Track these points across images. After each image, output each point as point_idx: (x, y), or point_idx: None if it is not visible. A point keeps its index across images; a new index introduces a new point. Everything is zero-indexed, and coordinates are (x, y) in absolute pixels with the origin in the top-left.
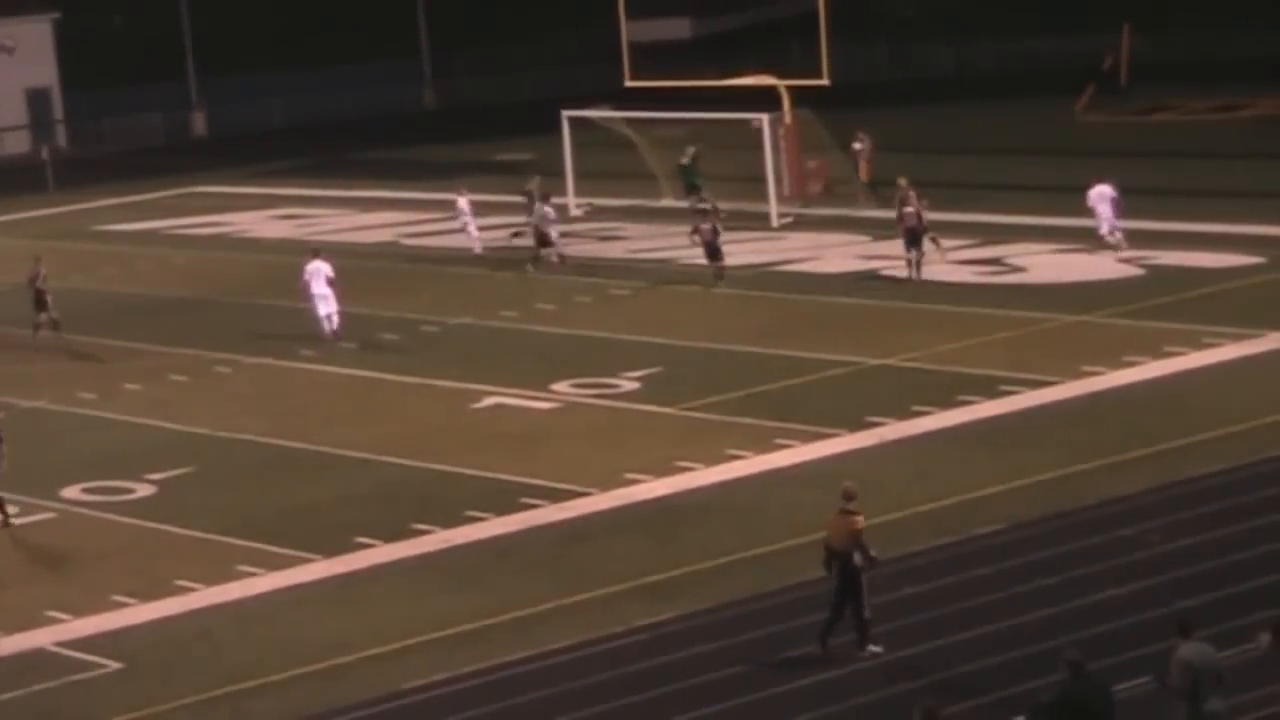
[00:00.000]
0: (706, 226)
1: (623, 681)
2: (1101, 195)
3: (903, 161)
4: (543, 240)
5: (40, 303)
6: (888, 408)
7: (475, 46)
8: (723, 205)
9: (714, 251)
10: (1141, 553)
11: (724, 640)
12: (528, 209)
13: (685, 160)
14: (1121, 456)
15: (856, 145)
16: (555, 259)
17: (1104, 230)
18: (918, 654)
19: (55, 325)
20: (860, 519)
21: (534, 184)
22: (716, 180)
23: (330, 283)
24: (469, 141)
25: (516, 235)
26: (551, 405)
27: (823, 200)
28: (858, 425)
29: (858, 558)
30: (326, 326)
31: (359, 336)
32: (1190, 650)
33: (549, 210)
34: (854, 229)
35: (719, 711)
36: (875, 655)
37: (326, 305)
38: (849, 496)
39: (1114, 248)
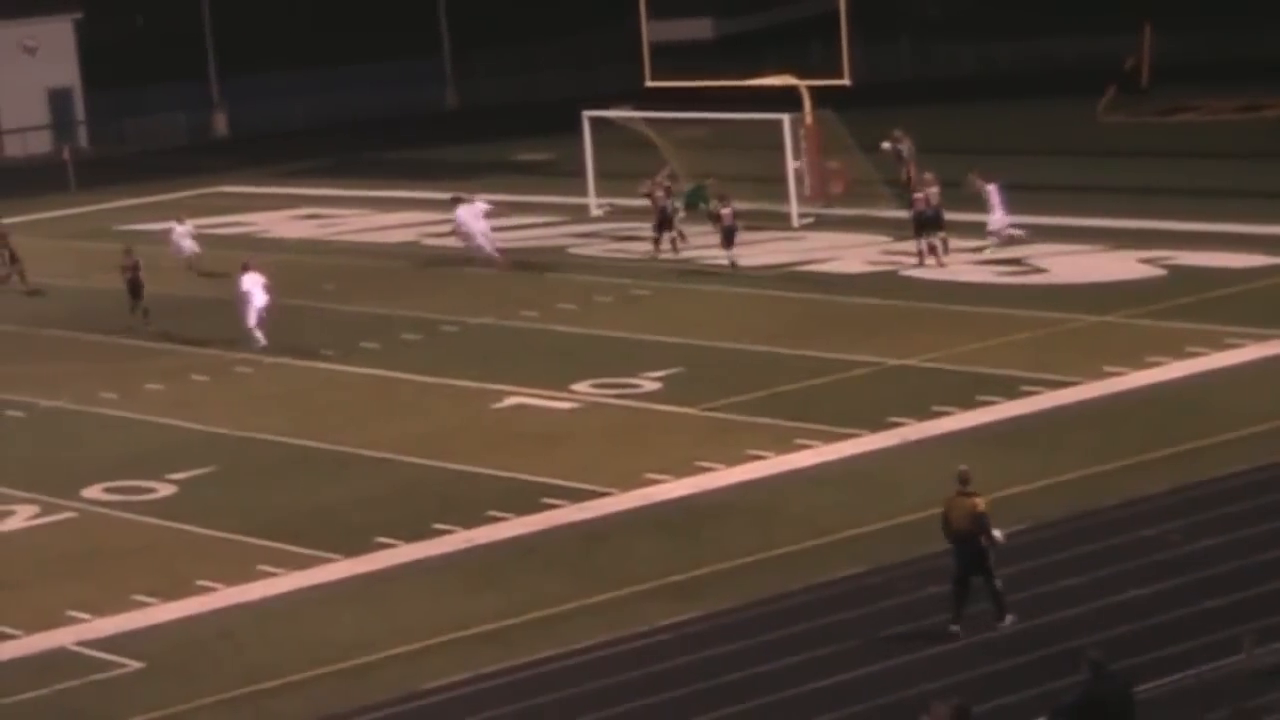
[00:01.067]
0: (727, 211)
1: (644, 681)
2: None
3: (923, 162)
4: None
5: (135, 292)
6: (908, 408)
7: (496, 46)
8: (743, 205)
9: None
10: (1164, 553)
11: (746, 640)
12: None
13: (693, 185)
14: (1143, 457)
15: (897, 145)
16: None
17: (995, 226)
18: (941, 653)
19: (146, 314)
20: (979, 500)
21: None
22: (737, 181)
23: (267, 289)
24: (490, 141)
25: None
26: (572, 405)
27: (843, 200)
28: (879, 425)
29: (983, 539)
30: (260, 335)
31: (381, 336)
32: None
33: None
34: (875, 229)
35: (741, 711)
36: (1013, 623)
37: (257, 316)
38: (965, 480)
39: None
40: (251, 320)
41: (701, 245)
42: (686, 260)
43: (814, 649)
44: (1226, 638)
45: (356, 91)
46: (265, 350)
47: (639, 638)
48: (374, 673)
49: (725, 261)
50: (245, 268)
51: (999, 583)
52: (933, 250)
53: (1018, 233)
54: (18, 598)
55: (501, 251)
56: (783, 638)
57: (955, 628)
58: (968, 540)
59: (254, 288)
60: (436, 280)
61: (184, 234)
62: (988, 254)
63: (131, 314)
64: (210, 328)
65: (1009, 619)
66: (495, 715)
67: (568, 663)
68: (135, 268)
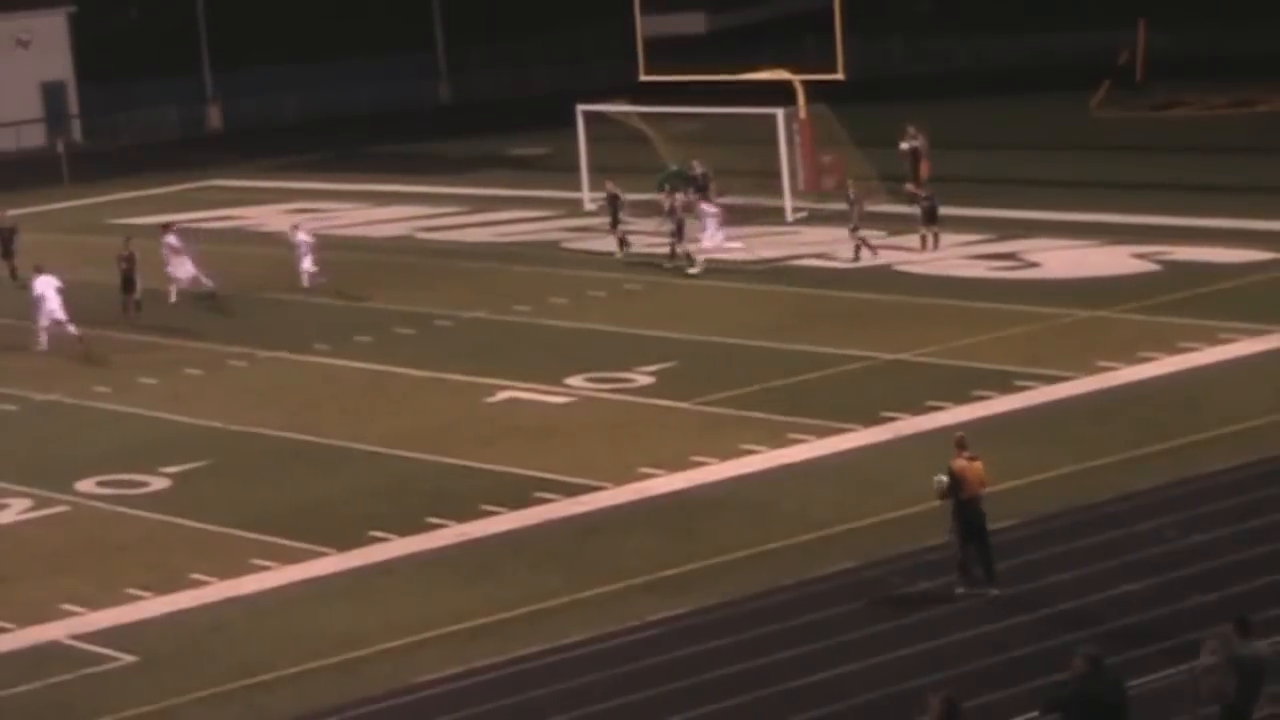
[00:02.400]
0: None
1: (637, 676)
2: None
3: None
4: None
5: (128, 285)
6: (902, 403)
7: (490, 41)
8: (737, 200)
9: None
10: (1157, 548)
11: (738, 635)
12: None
13: (676, 167)
14: (1136, 452)
15: (913, 143)
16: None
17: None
18: (934, 647)
19: (138, 306)
20: (980, 462)
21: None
22: (731, 175)
23: (60, 291)
24: (484, 136)
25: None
26: (565, 399)
27: (837, 195)
28: (872, 420)
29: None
30: (45, 338)
31: (374, 330)
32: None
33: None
34: (869, 224)
35: (734, 706)
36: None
37: (50, 317)
38: (963, 445)
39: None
40: (42, 321)
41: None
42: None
43: (806, 644)
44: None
45: (350, 86)
46: (44, 353)
47: (632, 632)
48: (366, 666)
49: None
50: (38, 270)
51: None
52: (924, 241)
53: (734, 245)
54: (11, 591)
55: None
56: (775, 632)
57: (961, 590)
58: (977, 502)
59: (47, 290)
60: (429, 274)
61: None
62: (695, 271)
63: (124, 309)
64: (204, 321)
65: (994, 592)
66: (488, 709)
67: (560, 657)
68: (131, 260)
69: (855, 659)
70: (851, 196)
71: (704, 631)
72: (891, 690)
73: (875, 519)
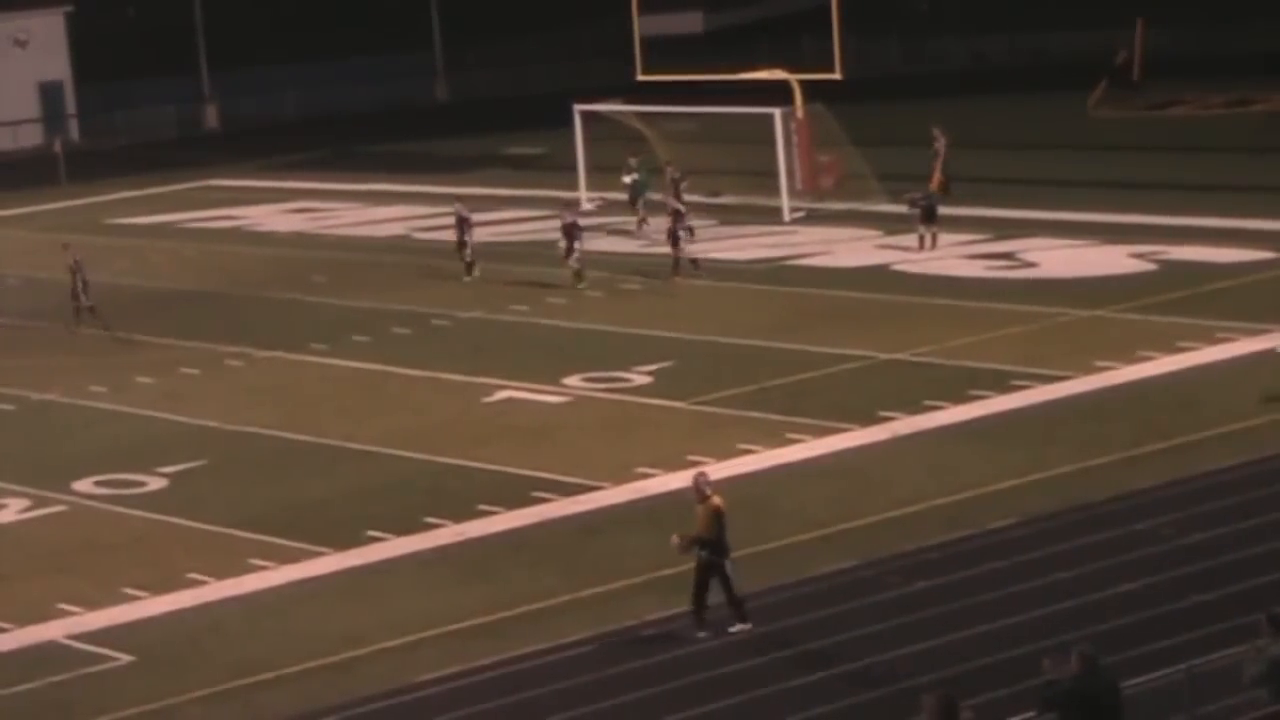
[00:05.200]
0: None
1: (635, 675)
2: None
3: (917, 156)
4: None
5: (77, 290)
6: (899, 402)
7: (487, 40)
8: (734, 199)
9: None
10: (1155, 547)
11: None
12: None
13: (629, 179)
14: (1134, 451)
15: (936, 144)
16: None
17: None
18: (931, 647)
19: (91, 311)
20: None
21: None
22: (729, 175)
23: None
24: (481, 135)
25: None
26: (562, 399)
27: (835, 194)
28: (869, 420)
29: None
30: None
31: (371, 330)
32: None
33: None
34: (866, 223)
35: (733, 705)
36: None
37: None
38: (706, 483)
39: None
40: None
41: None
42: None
43: (802, 644)
44: (1217, 632)
45: (347, 85)
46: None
47: (629, 631)
48: (364, 666)
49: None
50: None
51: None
52: (921, 241)
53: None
54: (8, 591)
55: None
56: (771, 632)
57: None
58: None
59: None
60: (427, 274)
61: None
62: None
63: (76, 315)
64: (200, 321)
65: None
66: (486, 709)
67: (558, 656)
68: (77, 267)
69: (853, 658)
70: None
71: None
72: (889, 689)
73: (872, 519)
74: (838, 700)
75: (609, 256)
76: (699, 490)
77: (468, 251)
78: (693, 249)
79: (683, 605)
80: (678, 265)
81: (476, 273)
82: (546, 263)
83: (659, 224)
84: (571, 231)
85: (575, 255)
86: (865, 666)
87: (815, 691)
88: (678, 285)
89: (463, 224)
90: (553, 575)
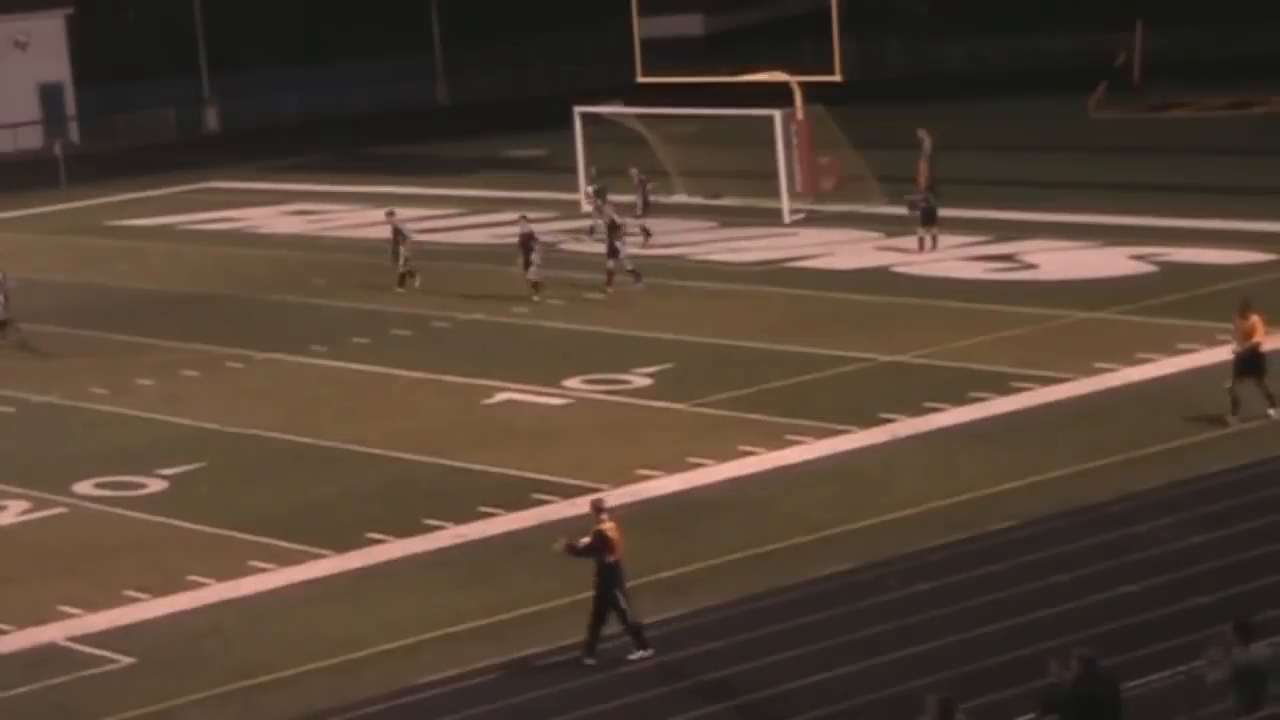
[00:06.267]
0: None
1: (636, 677)
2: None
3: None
4: None
5: None
6: (900, 404)
7: (488, 42)
8: (735, 202)
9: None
10: (1155, 549)
11: (734, 637)
12: None
13: (591, 188)
14: (1134, 453)
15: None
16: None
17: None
18: (932, 649)
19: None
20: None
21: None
22: (729, 177)
23: None
24: (481, 137)
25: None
26: (563, 401)
27: (835, 196)
28: (870, 421)
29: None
30: None
31: (371, 332)
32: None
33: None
34: (866, 225)
35: (730, 708)
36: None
37: None
38: (601, 507)
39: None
40: None
41: (689, 242)
42: (676, 256)
43: (803, 645)
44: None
45: (348, 87)
46: None
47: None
48: (365, 668)
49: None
50: None
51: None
52: (921, 243)
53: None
54: (8, 593)
55: None
56: (771, 634)
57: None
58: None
59: None
60: (427, 276)
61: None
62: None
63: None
64: (200, 323)
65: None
66: (486, 711)
67: (560, 658)
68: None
69: (854, 660)
70: (636, 182)
71: (701, 633)
72: (890, 691)
73: (873, 521)
74: (839, 702)
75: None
76: (596, 512)
77: (401, 262)
78: (635, 254)
79: (681, 607)
80: (611, 278)
81: (416, 283)
82: (550, 265)
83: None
84: (528, 243)
85: (534, 267)
86: (867, 668)
87: (810, 695)
88: (618, 294)
89: (398, 235)
90: (553, 577)
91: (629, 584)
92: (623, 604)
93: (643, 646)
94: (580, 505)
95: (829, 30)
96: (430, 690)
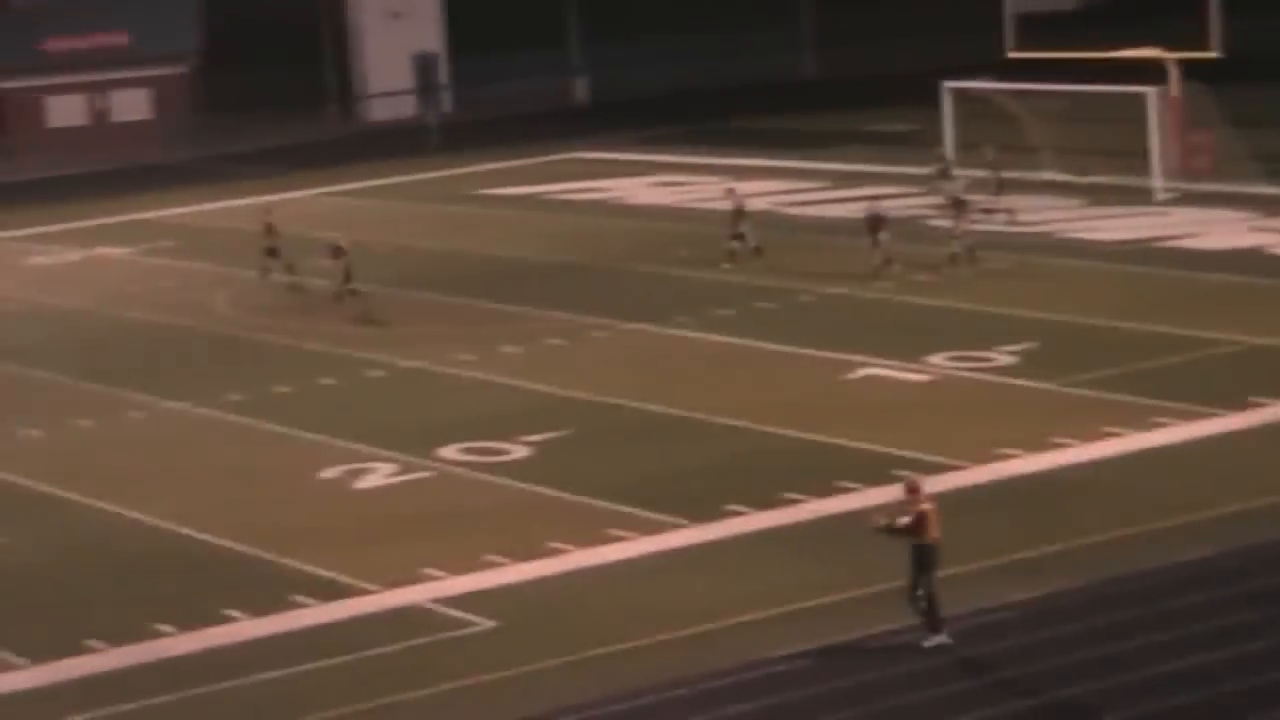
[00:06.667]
0: None
1: (1001, 657)
2: None
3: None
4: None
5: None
6: (1271, 389)
7: (857, 15)
8: (1104, 180)
9: None
10: None
11: (1093, 620)
12: None
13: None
14: None
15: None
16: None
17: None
18: None
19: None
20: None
21: None
22: (1098, 155)
23: None
24: (847, 111)
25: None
26: (925, 378)
27: (1211, 175)
28: (1240, 406)
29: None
30: None
31: (735, 304)
32: None
33: None
34: (1241, 205)
35: (1075, 694)
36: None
37: None
38: (917, 488)
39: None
40: None
41: (1056, 219)
42: (1042, 234)
43: (1167, 630)
44: None
45: (715, 59)
46: None
47: (984, 614)
48: (718, 640)
49: None
50: None
51: None
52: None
53: None
54: (373, 554)
55: None
56: (1128, 619)
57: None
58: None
59: None
60: (793, 250)
61: None
62: None
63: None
64: (564, 292)
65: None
66: (838, 686)
67: (908, 639)
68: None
69: (1216, 648)
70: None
71: (1063, 615)
72: (1258, 680)
73: (1237, 507)
74: (1199, 690)
75: (975, 235)
76: (911, 493)
77: (743, 239)
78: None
79: (1039, 589)
80: (964, 254)
81: (755, 253)
82: (912, 240)
83: (1013, 203)
84: (875, 224)
85: (881, 246)
86: (1235, 656)
87: (1169, 682)
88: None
89: (739, 211)
90: (908, 556)
91: (991, 562)
92: (933, 587)
93: (935, 630)
94: (939, 482)
95: (1205, 4)
96: (783, 664)
